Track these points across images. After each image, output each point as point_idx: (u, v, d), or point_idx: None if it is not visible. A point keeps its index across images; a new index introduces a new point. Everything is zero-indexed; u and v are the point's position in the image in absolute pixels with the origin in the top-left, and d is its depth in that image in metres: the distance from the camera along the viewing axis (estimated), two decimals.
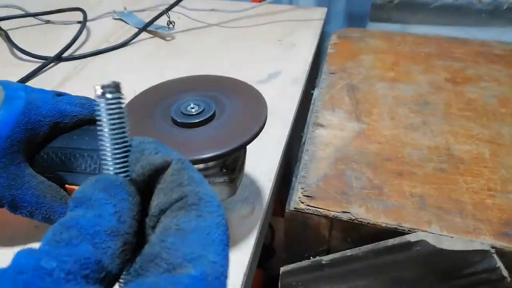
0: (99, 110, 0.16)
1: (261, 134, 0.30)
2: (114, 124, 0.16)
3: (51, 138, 0.32)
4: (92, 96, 0.36)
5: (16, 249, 0.15)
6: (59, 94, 0.34)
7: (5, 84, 0.32)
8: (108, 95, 0.16)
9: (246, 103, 0.32)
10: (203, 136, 0.29)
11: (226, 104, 0.32)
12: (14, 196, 0.30)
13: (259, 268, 0.79)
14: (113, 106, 0.16)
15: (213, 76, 0.36)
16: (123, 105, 0.17)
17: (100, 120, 0.16)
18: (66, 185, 0.32)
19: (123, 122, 0.17)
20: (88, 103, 0.34)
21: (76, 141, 0.32)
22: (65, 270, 0.14)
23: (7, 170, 0.30)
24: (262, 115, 0.31)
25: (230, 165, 0.32)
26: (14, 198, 0.30)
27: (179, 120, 0.30)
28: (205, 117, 0.30)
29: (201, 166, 0.31)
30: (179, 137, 0.29)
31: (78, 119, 0.33)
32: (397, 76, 0.57)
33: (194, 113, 0.30)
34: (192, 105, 0.31)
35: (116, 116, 0.16)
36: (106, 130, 0.16)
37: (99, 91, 0.16)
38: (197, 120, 0.30)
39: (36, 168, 0.32)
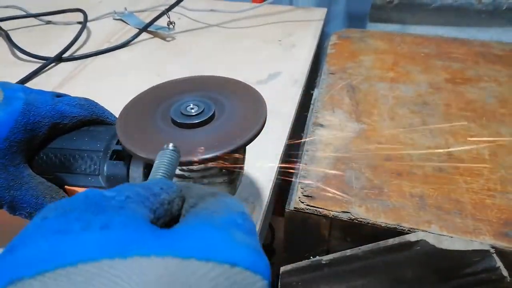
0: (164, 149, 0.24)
1: (261, 134, 0.30)
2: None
3: (50, 139, 0.32)
4: (92, 97, 0.36)
5: None
6: (59, 95, 0.34)
7: (4, 85, 0.31)
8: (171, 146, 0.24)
9: (246, 104, 0.32)
10: (203, 137, 0.29)
11: (225, 105, 0.32)
12: (14, 197, 0.30)
13: None
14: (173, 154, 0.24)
15: (213, 76, 0.36)
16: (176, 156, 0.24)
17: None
18: (66, 186, 0.32)
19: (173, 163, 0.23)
20: (87, 104, 0.34)
21: (75, 142, 0.32)
22: (124, 195, 0.17)
23: (6, 171, 0.30)
24: (262, 115, 0.31)
25: (230, 165, 0.32)
26: (13, 199, 0.30)
27: (178, 121, 0.30)
28: (205, 118, 0.30)
29: (201, 166, 0.31)
30: (178, 137, 0.29)
31: (77, 120, 0.33)
32: (397, 77, 0.57)
33: (194, 114, 0.30)
34: (191, 106, 0.31)
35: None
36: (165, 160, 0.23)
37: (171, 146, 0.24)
38: (197, 121, 0.30)
39: (35, 169, 0.32)
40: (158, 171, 0.22)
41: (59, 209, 0.16)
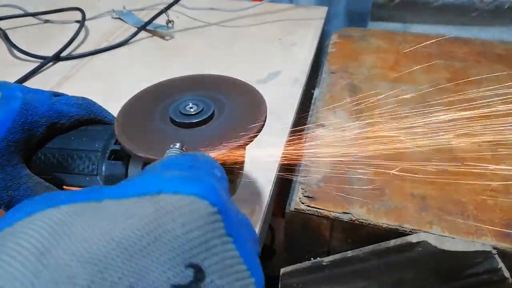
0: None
1: (261, 133, 0.30)
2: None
3: (48, 138, 0.32)
4: (90, 96, 0.36)
5: None
6: (56, 95, 0.34)
7: (2, 85, 0.31)
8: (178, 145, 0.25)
9: (246, 103, 0.32)
10: (202, 136, 0.29)
11: (225, 104, 0.32)
12: (11, 197, 0.30)
13: None
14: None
15: (212, 75, 0.36)
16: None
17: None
18: (64, 186, 0.32)
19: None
20: (85, 104, 0.34)
21: (73, 142, 0.32)
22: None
23: (4, 171, 0.29)
24: (262, 114, 0.30)
25: (229, 166, 0.32)
26: (11, 199, 0.30)
27: (177, 120, 0.29)
28: (204, 117, 0.30)
29: None
30: (177, 137, 0.29)
31: (75, 120, 0.33)
32: (398, 76, 0.56)
33: (193, 113, 0.30)
34: (190, 105, 0.30)
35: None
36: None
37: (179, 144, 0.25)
38: (196, 120, 0.29)
39: (33, 170, 0.31)
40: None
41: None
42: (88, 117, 0.34)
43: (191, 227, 0.16)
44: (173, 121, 0.30)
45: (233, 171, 0.32)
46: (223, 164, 0.31)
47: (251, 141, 0.29)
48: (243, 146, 0.28)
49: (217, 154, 0.27)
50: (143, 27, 0.72)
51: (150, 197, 0.17)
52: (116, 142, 0.31)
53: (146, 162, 0.30)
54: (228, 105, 0.31)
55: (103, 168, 0.31)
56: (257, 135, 0.29)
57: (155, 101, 0.32)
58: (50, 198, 0.17)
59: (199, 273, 0.16)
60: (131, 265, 0.15)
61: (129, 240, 0.15)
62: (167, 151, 0.24)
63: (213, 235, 0.17)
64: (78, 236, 0.15)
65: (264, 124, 0.30)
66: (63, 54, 0.66)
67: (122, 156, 0.31)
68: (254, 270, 0.18)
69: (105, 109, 0.36)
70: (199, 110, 0.30)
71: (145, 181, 0.19)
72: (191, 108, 0.30)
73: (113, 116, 0.36)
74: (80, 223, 0.15)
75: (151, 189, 0.18)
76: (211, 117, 0.30)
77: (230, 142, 0.28)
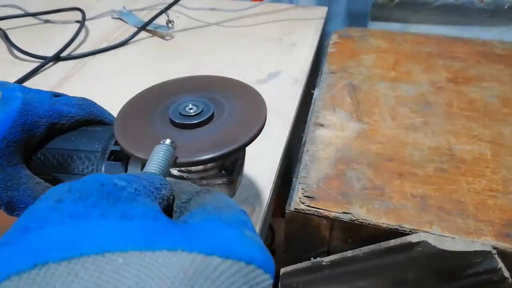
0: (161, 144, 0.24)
1: (261, 134, 0.30)
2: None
3: (48, 139, 0.32)
4: (90, 97, 0.36)
5: None
6: (57, 95, 0.34)
7: (2, 85, 0.31)
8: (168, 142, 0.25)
9: (245, 104, 0.32)
10: (202, 138, 0.29)
11: (225, 105, 0.31)
12: (11, 197, 0.30)
13: None
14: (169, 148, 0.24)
15: (212, 76, 0.36)
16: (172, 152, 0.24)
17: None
18: None
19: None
20: (85, 104, 0.34)
21: (73, 142, 0.32)
22: (133, 187, 0.17)
23: (4, 171, 0.29)
24: (262, 115, 0.30)
25: (229, 166, 0.32)
26: (11, 200, 0.30)
27: (177, 121, 0.29)
28: (204, 118, 0.30)
29: (199, 167, 0.31)
30: (177, 138, 0.29)
31: (75, 120, 0.33)
32: (398, 76, 0.56)
33: (193, 114, 0.30)
34: (190, 106, 0.30)
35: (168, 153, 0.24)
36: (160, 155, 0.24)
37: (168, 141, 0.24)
38: (196, 121, 0.29)
39: (33, 170, 0.31)
40: (153, 165, 0.23)
41: (75, 193, 0.16)
42: (88, 118, 0.34)
43: None
44: (172, 122, 0.30)
45: (232, 172, 0.32)
46: (223, 164, 0.32)
47: (251, 142, 0.29)
48: (243, 147, 0.28)
49: (218, 155, 0.27)
50: (143, 27, 0.72)
51: (239, 265, 0.15)
52: (116, 143, 0.31)
53: (145, 163, 0.30)
54: (228, 106, 0.31)
55: (103, 168, 0.31)
56: (257, 136, 0.29)
57: (154, 102, 0.32)
58: (73, 238, 0.14)
59: None
60: None
61: None
62: (157, 146, 0.24)
63: None
64: None
65: (264, 124, 0.30)
66: (63, 54, 0.66)
67: (121, 157, 0.31)
68: None
69: (105, 109, 0.36)
70: (199, 111, 0.30)
71: (228, 237, 0.16)
72: (190, 109, 0.30)
73: (113, 117, 0.36)
74: None
75: (241, 254, 0.16)
76: (210, 118, 0.30)
77: (230, 143, 0.28)
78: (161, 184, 0.19)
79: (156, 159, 0.23)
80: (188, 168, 0.30)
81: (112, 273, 0.13)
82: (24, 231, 0.14)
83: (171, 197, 0.20)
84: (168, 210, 0.20)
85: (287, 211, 0.39)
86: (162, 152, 0.24)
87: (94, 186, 0.16)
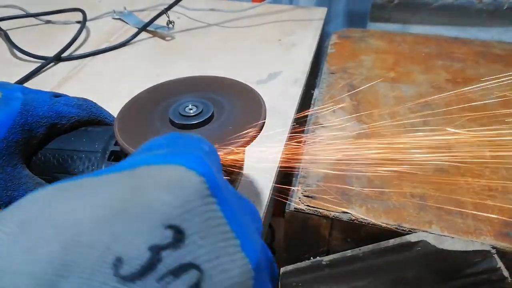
0: None
1: (261, 134, 0.30)
2: None
3: (48, 139, 0.32)
4: (90, 97, 0.36)
5: None
6: (57, 95, 0.34)
7: (3, 85, 0.31)
8: None
9: (245, 104, 0.32)
10: None
11: (225, 105, 0.32)
12: (11, 197, 0.30)
13: None
14: None
15: (212, 76, 0.36)
16: None
17: None
18: None
19: None
20: (85, 104, 0.34)
21: (73, 143, 0.32)
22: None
23: (4, 171, 0.29)
24: (262, 116, 0.30)
25: (229, 166, 0.32)
26: (11, 200, 0.30)
27: (177, 121, 0.30)
28: (204, 119, 0.30)
29: None
30: None
31: (75, 120, 0.33)
32: (398, 76, 0.57)
33: (192, 114, 0.30)
34: (190, 106, 0.31)
35: None
36: None
37: None
38: (195, 122, 0.29)
39: (33, 170, 0.31)
40: None
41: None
42: (88, 118, 0.34)
43: (172, 191, 0.16)
44: (172, 123, 0.30)
45: (233, 172, 0.32)
46: (223, 165, 0.32)
47: (251, 142, 0.29)
48: (243, 147, 0.28)
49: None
50: (143, 27, 0.72)
51: (129, 171, 0.18)
52: (116, 143, 0.31)
53: None
54: (227, 107, 0.32)
55: (103, 169, 0.31)
56: (257, 136, 0.29)
57: (154, 102, 0.32)
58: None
59: (179, 234, 0.15)
60: (107, 229, 0.15)
61: (104, 206, 0.15)
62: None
63: (195, 196, 0.16)
64: (56, 208, 0.16)
65: (264, 124, 0.30)
66: (64, 54, 0.66)
67: (121, 157, 0.31)
68: (244, 239, 0.17)
69: (105, 110, 0.36)
70: (199, 111, 0.30)
71: (124, 160, 0.19)
72: (190, 109, 0.30)
73: (113, 117, 0.36)
74: (60, 197, 0.16)
75: (130, 165, 0.18)
76: (210, 118, 0.30)
77: (230, 143, 0.28)
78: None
79: None
80: None
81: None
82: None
83: None
84: None
85: (287, 210, 0.39)
86: None
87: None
